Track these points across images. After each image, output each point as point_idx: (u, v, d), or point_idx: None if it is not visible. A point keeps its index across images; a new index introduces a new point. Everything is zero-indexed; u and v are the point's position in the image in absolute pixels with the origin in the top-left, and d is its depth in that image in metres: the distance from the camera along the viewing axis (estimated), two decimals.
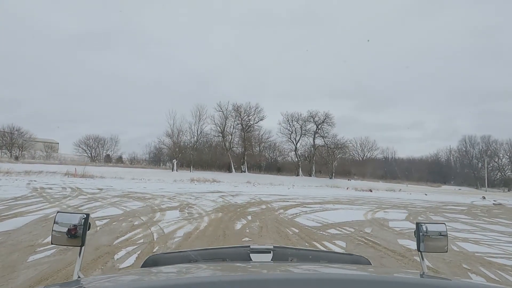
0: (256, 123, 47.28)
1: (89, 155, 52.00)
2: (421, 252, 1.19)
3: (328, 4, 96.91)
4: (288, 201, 13.39)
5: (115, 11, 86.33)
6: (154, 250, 4.61)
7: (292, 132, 49.92)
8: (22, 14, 69.44)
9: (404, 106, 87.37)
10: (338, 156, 51.46)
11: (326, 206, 11.90)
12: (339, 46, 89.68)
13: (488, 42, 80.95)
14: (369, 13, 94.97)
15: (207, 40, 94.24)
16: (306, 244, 5.48)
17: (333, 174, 49.35)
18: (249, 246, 1.29)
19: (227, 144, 46.27)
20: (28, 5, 71.95)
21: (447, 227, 1.25)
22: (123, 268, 3.77)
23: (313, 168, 49.22)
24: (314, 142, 50.20)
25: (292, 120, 49.49)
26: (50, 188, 13.85)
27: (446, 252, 1.23)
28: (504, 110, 79.73)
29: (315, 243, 5.55)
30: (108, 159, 52.25)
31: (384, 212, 10.91)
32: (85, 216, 1.11)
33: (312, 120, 49.06)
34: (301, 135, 50.02)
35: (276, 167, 51.45)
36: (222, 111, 45.72)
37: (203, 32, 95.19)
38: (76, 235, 1.08)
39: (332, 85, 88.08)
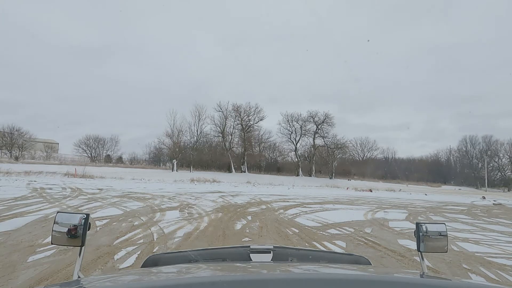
0: (256, 123, 47.40)
1: (89, 155, 52.03)
2: (421, 252, 1.19)
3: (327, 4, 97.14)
4: (288, 201, 13.39)
5: (117, 20, 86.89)
6: (154, 250, 4.61)
7: (292, 132, 50.04)
8: (21, 20, 69.89)
9: (390, 108, 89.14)
10: (338, 156, 51.51)
11: (326, 206, 11.90)
12: (339, 47, 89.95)
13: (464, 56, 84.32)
14: (368, 14, 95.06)
15: (207, 44, 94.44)
16: (306, 244, 5.48)
17: (333, 174, 49.39)
18: (249, 246, 1.29)
19: (227, 144, 46.30)
20: (33, 14, 72.75)
21: (447, 227, 1.25)
22: (123, 268, 3.77)
23: (313, 168, 49.26)
24: (314, 142, 50.27)
25: (292, 120, 49.61)
26: (50, 189, 13.85)
27: (446, 252, 1.23)
28: (478, 112, 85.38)
29: (315, 243, 5.55)
30: (108, 159, 52.27)
31: (384, 212, 10.91)
32: (85, 216, 1.11)
33: (312, 120, 49.18)
34: (301, 135, 50.13)
35: (276, 167, 51.47)
36: (222, 111, 45.83)
37: (203, 36, 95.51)
38: (76, 235, 1.08)
39: (324, 87, 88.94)
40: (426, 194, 26.93)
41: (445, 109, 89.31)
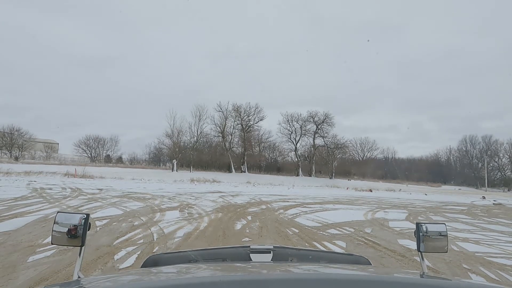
0: (256, 123, 47.33)
1: (89, 155, 52.05)
2: (421, 252, 1.19)
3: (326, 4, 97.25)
4: (288, 201, 13.39)
5: (118, 25, 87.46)
6: (154, 250, 4.61)
7: (292, 132, 49.96)
8: (22, 22, 70.27)
9: (377, 110, 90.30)
10: (338, 156, 51.48)
11: (326, 206, 11.89)
12: (339, 47, 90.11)
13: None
14: (369, 14, 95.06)
15: (207, 47, 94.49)
16: (306, 244, 5.48)
17: (333, 174, 49.36)
18: (249, 246, 1.29)
19: (227, 144, 46.27)
20: (33, 18, 73.18)
21: (447, 227, 1.25)
22: (123, 268, 3.77)
23: (313, 168, 49.21)
24: (314, 142, 50.22)
25: (292, 120, 49.55)
26: (50, 189, 13.85)
27: (446, 252, 1.23)
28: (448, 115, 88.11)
29: (315, 243, 5.55)
30: (108, 160, 52.28)
31: (384, 212, 10.91)
32: (85, 216, 1.11)
33: (312, 120, 49.11)
34: (301, 135, 50.06)
35: (276, 167, 51.43)
36: (222, 111, 45.78)
37: (203, 39, 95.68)
38: (76, 235, 1.08)
39: (313, 90, 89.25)
40: (426, 194, 26.93)
41: (433, 112, 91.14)
